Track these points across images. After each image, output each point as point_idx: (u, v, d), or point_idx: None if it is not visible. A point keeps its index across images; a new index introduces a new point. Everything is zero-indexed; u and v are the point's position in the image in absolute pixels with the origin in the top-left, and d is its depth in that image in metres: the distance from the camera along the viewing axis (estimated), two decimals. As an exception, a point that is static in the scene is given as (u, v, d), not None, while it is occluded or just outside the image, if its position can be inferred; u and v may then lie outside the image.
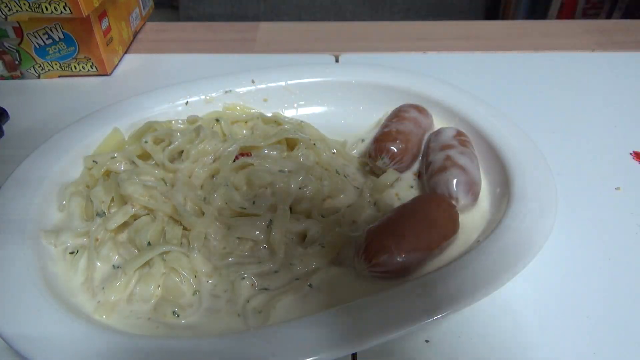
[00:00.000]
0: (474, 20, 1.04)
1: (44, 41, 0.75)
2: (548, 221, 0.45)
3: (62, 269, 0.46)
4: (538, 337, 0.43)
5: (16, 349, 0.36)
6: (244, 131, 0.60)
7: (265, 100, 0.67)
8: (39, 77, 0.80)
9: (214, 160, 0.54)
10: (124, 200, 0.49)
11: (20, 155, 0.54)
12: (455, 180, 0.50)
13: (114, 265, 0.46)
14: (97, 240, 0.47)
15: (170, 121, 0.61)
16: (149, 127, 0.58)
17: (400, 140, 0.55)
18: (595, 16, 1.64)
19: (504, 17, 1.72)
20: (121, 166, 0.54)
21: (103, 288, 0.44)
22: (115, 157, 0.54)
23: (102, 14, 0.77)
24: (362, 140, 0.63)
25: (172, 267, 0.45)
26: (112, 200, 0.50)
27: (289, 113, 0.68)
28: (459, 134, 0.56)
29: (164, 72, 0.83)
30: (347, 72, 0.69)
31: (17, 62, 0.78)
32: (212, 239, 0.48)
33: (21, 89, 0.77)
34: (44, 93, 0.77)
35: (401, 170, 0.56)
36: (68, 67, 0.79)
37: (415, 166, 0.57)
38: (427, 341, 0.43)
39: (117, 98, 0.64)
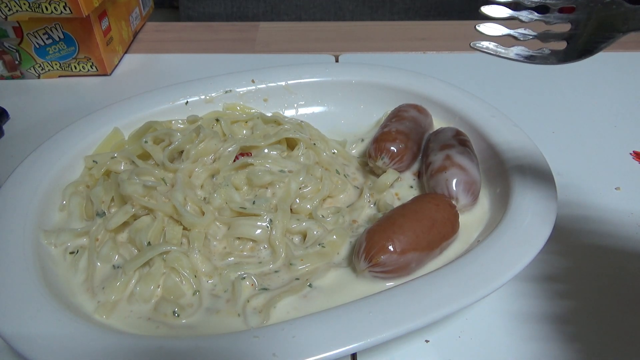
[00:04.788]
0: (474, 20, 1.04)
1: (44, 41, 0.75)
2: (548, 221, 0.45)
3: (62, 269, 0.46)
4: (538, 337, 0.43)
5: (16, 349, 0.36)
6: (244, 131, 0.60)
7: (265, 100, 0.67)
8: (39, 77, 0.80)
9: (214, 160, 0.54)
10: (124, 200, 0.49)
11: (20, 155, 0.54)
12: (455, 180, 0.50)
13: (114, 265, 0.46)
14: (97, 240, 0.48)
15: (170, 121, 0.61)
16: (149, 127, 0.58)
17: (400, 140, 0.55)
18: (595, 16, 1.64)
19: (504, 17, 1.72)
20: (121, 166, 0.54)
21: (103, 288, 0.44)
22: (115, 157, 0.54)
23: (102, 14, 0.77)
24: (362, 140, 0.63)
25: (172, 267, 0.45)
26: (112, 200, 0.50)
27: (289, 113, 0.68)
28: (458, 133, 0.56)
29: (164, 72, 0.83)
30: (347, 72, 0.69)
31: (17, 62, 0.78)
32: (212, 239, 0.48)
33: (21, 89, 0.78)
34: (44, 93, 0.77)
35: (401, 170, 0.56)
36: (68, 67, 0.79)
37: (415, 166, 0.57)
38: (427, 341, 0.43)
39: (117, 98, 0.64)
